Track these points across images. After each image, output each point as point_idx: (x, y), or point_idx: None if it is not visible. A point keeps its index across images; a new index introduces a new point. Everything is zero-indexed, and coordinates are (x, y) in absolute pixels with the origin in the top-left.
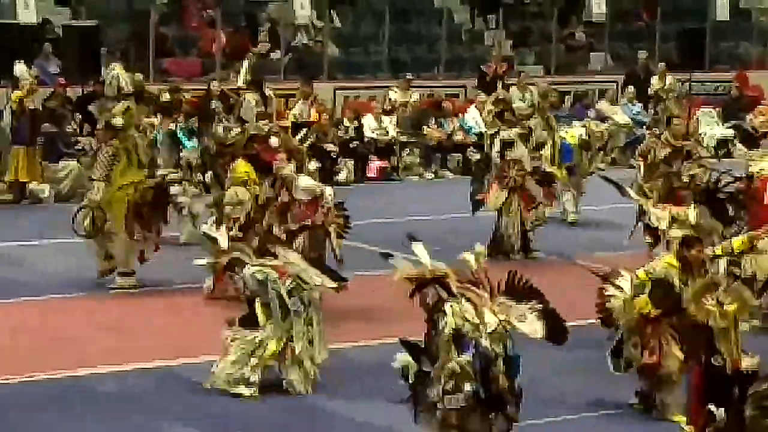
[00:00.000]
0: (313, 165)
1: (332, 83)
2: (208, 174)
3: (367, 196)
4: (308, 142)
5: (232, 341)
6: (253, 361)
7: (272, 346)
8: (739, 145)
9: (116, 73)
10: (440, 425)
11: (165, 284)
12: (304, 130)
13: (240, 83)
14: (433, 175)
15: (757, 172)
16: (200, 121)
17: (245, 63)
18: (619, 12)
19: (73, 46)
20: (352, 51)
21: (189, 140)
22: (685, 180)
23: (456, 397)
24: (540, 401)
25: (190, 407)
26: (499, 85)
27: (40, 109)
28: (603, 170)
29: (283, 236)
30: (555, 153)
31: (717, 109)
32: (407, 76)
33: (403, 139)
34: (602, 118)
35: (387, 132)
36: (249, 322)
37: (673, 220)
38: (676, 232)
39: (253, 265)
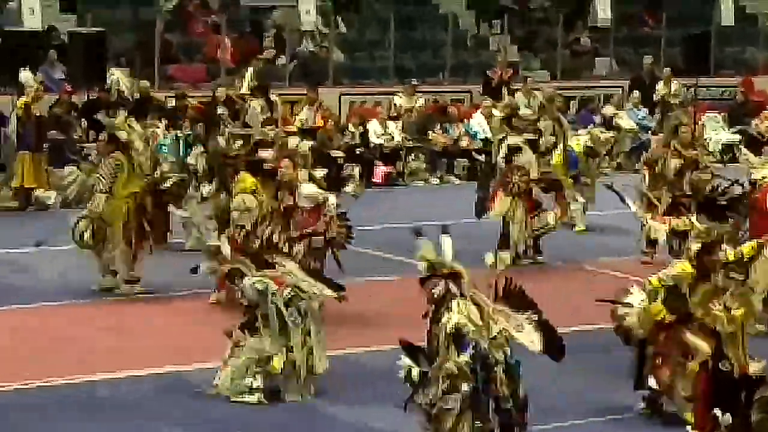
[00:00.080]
0: (319, 172)
1: (338, 89)
2: (214, 181)
3: (373, 201)
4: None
5: (236, 347)
6: (257, 369)
7: (277, 364)
8: (744, 150)
9: (116, 78)
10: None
11: (167, 290)
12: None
13: (244, 90)
14: (438, 181)
15: (760, 180)
16: (206, 127)
17: (250, 69)
18: (624, 17)
19: (78, 53)
20: (358, 57)
21: (191, 147)
22: (687, 189)
23: (453, 397)
24: (547, 406)
25: (190, 412)
26: (505, 90)
27: (46, 115)
28: (608, 175)
29: (285, 244)
30: (565, 155)
31: (722, 114)
32: (412, 82)
33: (409, 144)
34: (609, 122)
35: (392, 137)
36: (251, 327)
37: (673, 232)
38: (696, 245)
39: (253, 276)
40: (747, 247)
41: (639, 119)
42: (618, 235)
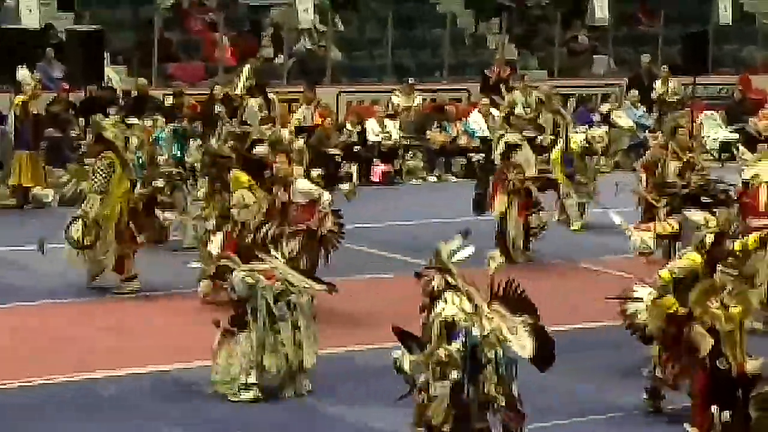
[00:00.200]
0: (314, 172)
1: (335, 87)
2: (205, 180)
3: (371, 200)
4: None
5: (224, 337)
6: (251, 366)
7: (268, 361)
8: (742, 149)
9: (107, 75)
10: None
11: (166, 288)
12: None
13: (239, 90)
14: (436, 179)
15: (751, 179)
16: (204, 125)
17: (245, 69)
18: (623, 16)
19: (76, 51)
20: (356, 55)
21: (186, 141)
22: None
23: (440, 384)
24: (546, 405)
25: (189, 411)
26: (503, 88)
27: (44, 113)
28: (608, 172)
29: (280, 239)
30: (568, 148)
31: (720, 112)
32: (410, 81)
33: (407, 143)
34: (606, 119)
35: (390, 136)
36: (241, 322)
37: (660, 236)
38: (710, 236)
39: (241, 271)
40: (751, 239)
41: (637, 118)
42: (616, 233)
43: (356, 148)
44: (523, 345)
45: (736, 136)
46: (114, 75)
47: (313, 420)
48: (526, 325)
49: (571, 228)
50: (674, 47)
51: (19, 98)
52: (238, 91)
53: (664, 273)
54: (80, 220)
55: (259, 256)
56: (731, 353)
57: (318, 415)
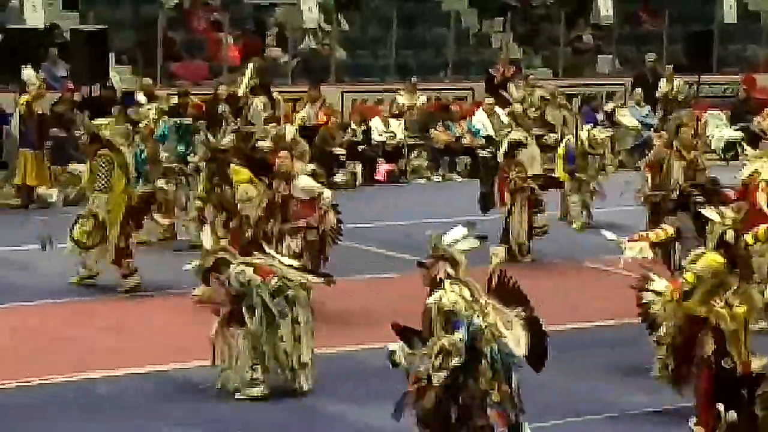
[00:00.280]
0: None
1: (340, 86)
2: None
3: (375, 199)
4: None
5: (222, 328)
6: (255, 362)
7: (268, 357)
8: (747, 148)
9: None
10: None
11: (167, 287)
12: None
13: (242, 90)
14: (440, 178)
15: (748, 176)
16: (208, 124)
17: (250, 67)
18: (627, 15)
19: (80, 51)
20: (360, 54)
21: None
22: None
23: (442, 375)
24: (544, 404)
25: (190, 411)
26: (511, 87)
27: (48, 113)
28: (613, 172)
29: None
30: (578, 140)
31: (725, 111)
32: (414, 80)
33: (411, 142)
34: (610, 118)
35: (394, 135)
36: (239, 318)
37: (654, 244)
38: (730, 233)
39: (237, 265)
40: (761, 230)
41: (641, 117)
42: (621, 232)
43: (360, 147)
44: (518, 341)
45: (741, 135)
46: (115, 75)
47: (313, 420)
48: (521, 318)
49: (574, 227)
50: (678, 46)
51: (24, 98)
52: (242, 91)
53: (689, 276)
54: (87, 219)
55: (258, 251)
56: (736, 352)
57: (318, 415)
